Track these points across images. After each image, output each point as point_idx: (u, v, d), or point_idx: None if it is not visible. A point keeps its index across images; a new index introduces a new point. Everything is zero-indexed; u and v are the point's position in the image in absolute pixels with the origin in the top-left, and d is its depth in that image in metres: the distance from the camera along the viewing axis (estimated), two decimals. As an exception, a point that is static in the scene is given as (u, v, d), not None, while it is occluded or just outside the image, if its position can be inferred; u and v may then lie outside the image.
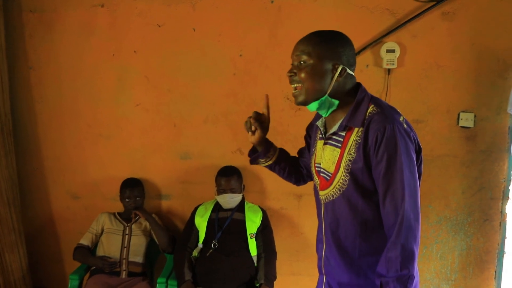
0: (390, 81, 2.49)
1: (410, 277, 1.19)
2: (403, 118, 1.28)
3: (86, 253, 2.51)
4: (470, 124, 2.45)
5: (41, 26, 2.72)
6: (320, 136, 1.43)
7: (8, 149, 2.64)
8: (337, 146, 1.32)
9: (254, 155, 1.60)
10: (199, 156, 2.72)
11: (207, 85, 2.65)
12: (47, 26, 2.71)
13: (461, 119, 2.46)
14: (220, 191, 2.49)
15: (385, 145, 1.20)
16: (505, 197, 2.48)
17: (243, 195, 2.56)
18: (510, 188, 2.46)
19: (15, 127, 2.75)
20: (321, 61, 1.28)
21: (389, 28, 2.45)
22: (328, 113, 1.35)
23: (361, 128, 1.26)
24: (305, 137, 1.64)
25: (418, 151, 1.30)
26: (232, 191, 2.47)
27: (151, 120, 2.73)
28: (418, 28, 2.44)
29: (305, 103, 1.32)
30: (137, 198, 2.61)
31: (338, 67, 1.28)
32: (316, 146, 1.47)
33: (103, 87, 2.72)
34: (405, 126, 1.25)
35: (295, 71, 1.32)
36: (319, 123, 1.42)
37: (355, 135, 1.27)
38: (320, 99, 1.30)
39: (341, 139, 1.31)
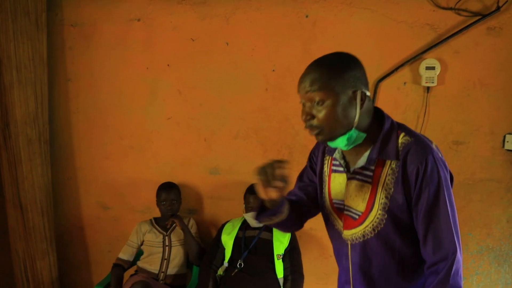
0: (429, 99, 2.36)
1: None
2: (435, 145, 1.18)
3: (118, 277, 2.48)
4: (517, 147, 2.28)
5: (80, 39, 2.80)
6: (337, 168, 1.27)
7: (44, 158, 2.72)
8: (366, 182, 1.18)
9: (267, 212, 1.27)
10: (228, 172, 2.68)
11: (238, 100, 2.62)
12: (86, 40, 2.80)
13: (507, 141, 2.29)
14: (249, 209, 2.44)
15: (428, 179, 1.10)
16: (556, 228, 2.28)
17: (271, 213, 2.49)
18: (562, 218, 2.26)
19: (52, 137, 2.83)
20: (340, 95, 1.11)
21: (429, 44, 2.33)
22: (351, 146, 1.19)
23: (395, 161, 1.14)
24: (310, 158, 1.42)
25: (451, 179, 1.20)
26: (260, 209, 2.41)
27: (181, 134, 2.72)
28: (460, 44, 2.30)
29: (330, 140, 1.17)
30: (174, 201, 2.59)
31: (357, 93, 1.13)
32: (327, 178, 1.30)
33: (136, 99, 2.76)
34: (440, 154, 1.16)
35: (313, 113, 1.13)
36: (337, 155, 1.26)
37: (388, 168, 1.15)
38: (347, 133, 1.15)
39: (371, 174, 1.17)
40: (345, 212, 1.24)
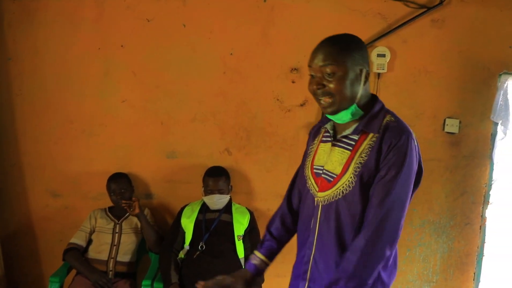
0: (380, 85, 2.52)
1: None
2: (415, 136, 1.30)
3: (80, 258, 2.40)
4: (455, 130, 2.51)
5: (22, 15, 2.59)
6: (325, 139, 1.41)
7: (-16, 143, 2.52)
8: (346, 149, 1.32)
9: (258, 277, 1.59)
10: (186, 155, 2.67)
11: (196, 83, 2.60)
12: (28, 15, 2.59)
13: (447, 124, 2.52)
14: (208, 191, 2.45)
15: (395, 152, 1.23)
16: (486, 202, 2.56)
17: (230, 196, 2.53)
18: (490, 193, 2.54)
19: (-8, 121, 2.62)
20: (349, 69, 1.25)
21: (380, 33, 2.47)
22: (347, 121, 1.33)
23: (376, 134, 1.27)
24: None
25: (419, 171, 1.31)
26: (220, 192, 2.44)
27: (137, 117, 2.65)
28: (408, 33, 2.47)
29: (336, 112, 1.30)
30: (123, 191, 2.51)
31: (363, 71, 1.28)
32: (314, 148, 1.45)
33: (88, 81, 2.63)
34: (415, 143, 1.28)
35: (323, 83, 1.27)
36: (328, 126, 1.41)
37: (369, 140, 1.28)
38: (350, 108, 1.29)
39: (353, 143, 1.31)
40: (323, 175, 1.36)
